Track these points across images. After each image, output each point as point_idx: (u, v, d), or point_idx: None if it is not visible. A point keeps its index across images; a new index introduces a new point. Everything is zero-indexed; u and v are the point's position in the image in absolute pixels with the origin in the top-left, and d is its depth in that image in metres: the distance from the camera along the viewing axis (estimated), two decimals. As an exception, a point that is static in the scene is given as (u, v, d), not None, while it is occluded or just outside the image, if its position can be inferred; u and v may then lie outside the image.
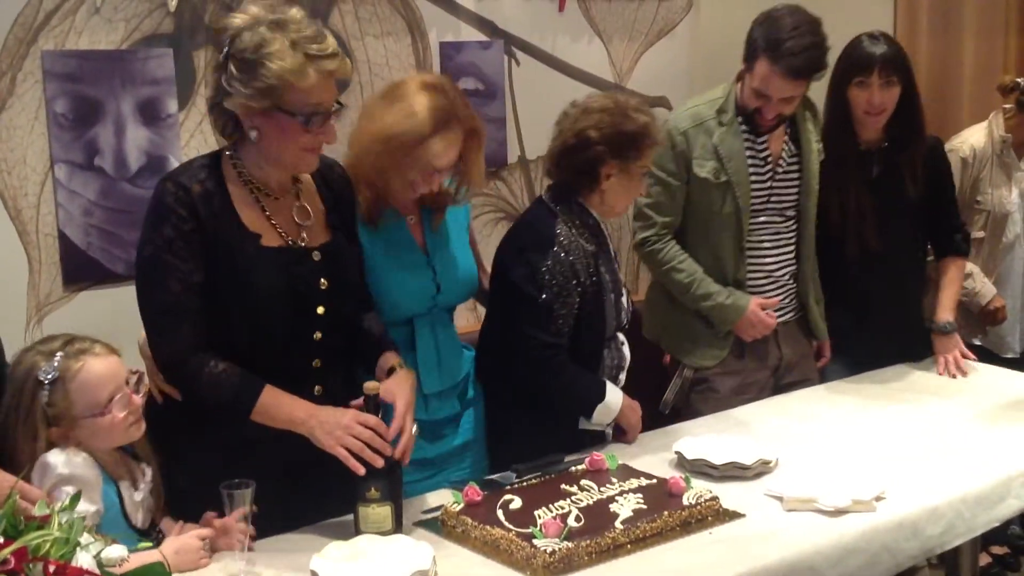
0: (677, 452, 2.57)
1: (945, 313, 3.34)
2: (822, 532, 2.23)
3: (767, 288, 3.18)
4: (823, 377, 3.33)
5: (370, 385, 2.21)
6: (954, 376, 3.26)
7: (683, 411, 3.11)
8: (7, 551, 1.60)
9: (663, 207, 3.09)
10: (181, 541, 2.05)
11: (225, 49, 2.13)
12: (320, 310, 2.27)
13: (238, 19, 2.15)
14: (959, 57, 4.66)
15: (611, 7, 3.76)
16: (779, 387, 3.22)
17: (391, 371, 2.33)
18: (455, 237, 2.66)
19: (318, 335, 2.28)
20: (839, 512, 2.29)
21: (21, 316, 2.75)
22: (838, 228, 3.23)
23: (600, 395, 2.66)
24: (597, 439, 2.74)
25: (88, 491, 1.96)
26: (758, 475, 2.49)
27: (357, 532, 2.16)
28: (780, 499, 2.35)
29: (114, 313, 2.77)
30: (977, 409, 2.98)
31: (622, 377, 2.80)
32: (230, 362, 2.18)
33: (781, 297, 3.21)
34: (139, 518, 2.10)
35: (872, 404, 3.06)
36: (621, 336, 2.82)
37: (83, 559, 1.68)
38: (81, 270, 2.85)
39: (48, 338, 2.10)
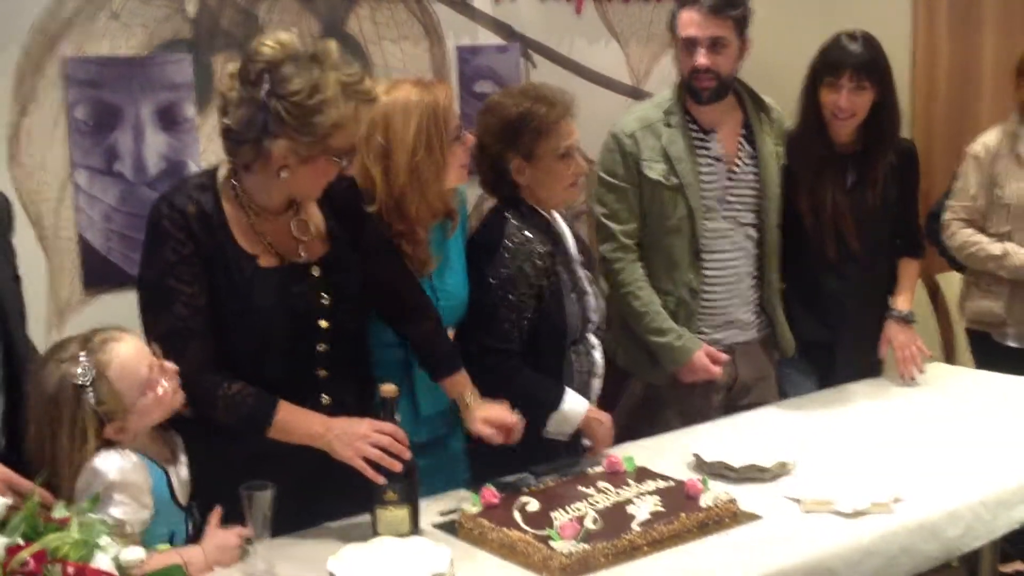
0: (695, 454, 2.57)
1: (906, 304, 3.29)
2: (840, 534, 2.22)
3: (728, 301, 3.09)
4: (792, 393, 3.24)
5: (387, 388, 2.22)
6: (912, 378, 3.20)
7: (632, 430, 2.94)
8: (26, 552, 1.62)
9: (620, 214, 3.00)
10: (222, 538, 2.08)
11: (266, 86, 2.05)
12: (323, 324, 2.25)
13: (269, 48, 2.07)
14: (979, 55, 4.62)
15: (628, 9, 3.76)
16: (732, 410, 3.09)
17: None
18: (455, 258, 2.64)
19: (322, 347, 2.27)
20: (857, 514, 2.28)
21: (41, 320, 2.77)
22: (815, 231, 3.17)
23: (555, 403, 2.58)
24: (572, 452, 2.67)
25: (138, 495, 1.97)
26: (776, 477, 2.49)
27: (375, 534, 2.17)
28: (798, 501, 2.35)
29: (133, 316, 2.76)
30: (996, 412, 2.96)
31: (596, 384, 2.75)
32: (243, 382, 2.17)
33: (746, 313, 3.12)
34: (184, 495, 2.12)
35: (890, 406, 3.05)
36: (593, 339, 2.75)
37: (101, 561, 1.70)
38: (101, 274, 2.87)
39: (56, 347, 2.05)
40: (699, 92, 2.98)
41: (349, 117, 2.08)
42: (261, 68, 2.06)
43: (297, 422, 2.18)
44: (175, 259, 2.13)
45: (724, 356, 3.04)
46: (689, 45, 2.95)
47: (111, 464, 1.95)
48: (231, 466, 2.10)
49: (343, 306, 2.28)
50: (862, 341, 3.29)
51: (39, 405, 1.98)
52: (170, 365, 2.07)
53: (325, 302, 2.25)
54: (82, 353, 1.98)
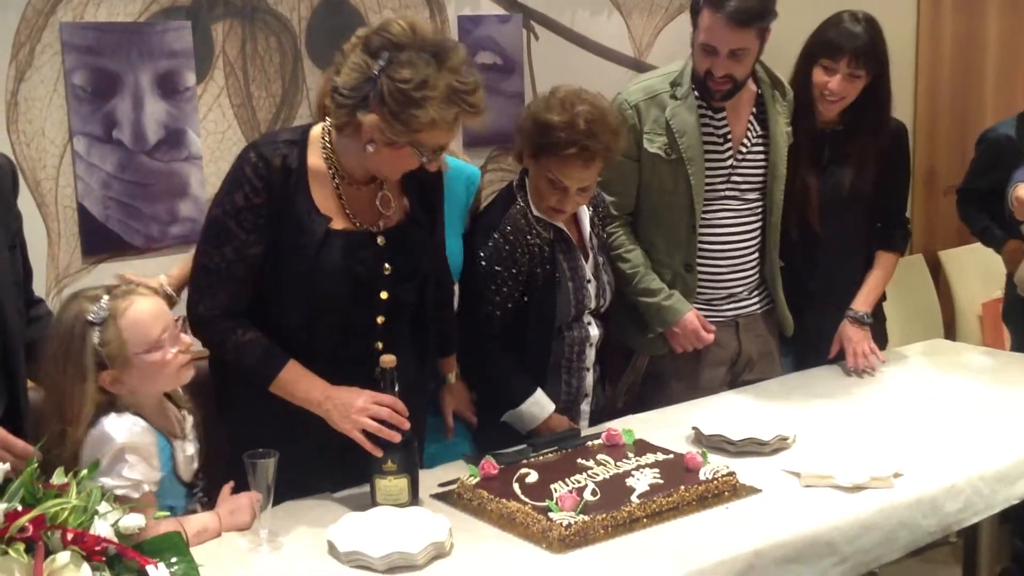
0: (694, 428, 2.57)
1: (865, 304, 3.19)
2: (839, 508, 2.23)
3: (728, 276, 3.05)
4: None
5: (386, 359, 2.21)
6: (864, 370, 3.11)
7: (635, 405, 2.97)
8: (25, 519, 1.61)
9: (612, 185, 2.92)
10: (235, 502, 2.12)
11: (381, 62, 2.07)
12: (383, 295, 2.28)
13: (399, 28, 2.09)
14: (983, 34, 4.61)
15: (631, -19, 3.73)
16: (736, 384, 3.07)
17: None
18: (450, 224, 2.62)
19: (380, 319, 2.30)
20: (857, 488, 2.28)
21: (40, 287, 2.75)
22: (785, 212, 3.08)
23: (516, 402, 2.61)
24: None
25: (148, 457, 1.99)
26: (775, 451, 2.49)
27: (374, 504, 2.17)
28: (797, 475, 2.35)
29: (132, 285, 2.77)
30: (996, 388, 2.96)
31: (591, 353, 2.74)
32: (258, 332, 2.21)
33: (744, 289, 3.09)
34: (188, 472, 2.13)
35: (890, 381, 3.05)
36: (588, 315, 2.74)
37: (101, 527, 1.69)
38: (100, 242, 2.86)
39: (86, 288, 2.10)
40: (712, 93, 2.91)
41: (445, 121, 2.09)
42: (384, 43, 2.09)
43: (298, 384, 2.21)
44: (243, 205, 2.18)
45: (712, 327, 3.00)
46: (708, 49, 2.85)
47: (119, 427, 1.97)
48: (268, 427, 2.17)
49: (404, 279, 2.31)
50: (827, 331, 3.20)
51: (56, 338, 2.02)
52: (186, 338, 2.10)
53: (387, 272, 2.28)
54: (105, 295, 2.03)
